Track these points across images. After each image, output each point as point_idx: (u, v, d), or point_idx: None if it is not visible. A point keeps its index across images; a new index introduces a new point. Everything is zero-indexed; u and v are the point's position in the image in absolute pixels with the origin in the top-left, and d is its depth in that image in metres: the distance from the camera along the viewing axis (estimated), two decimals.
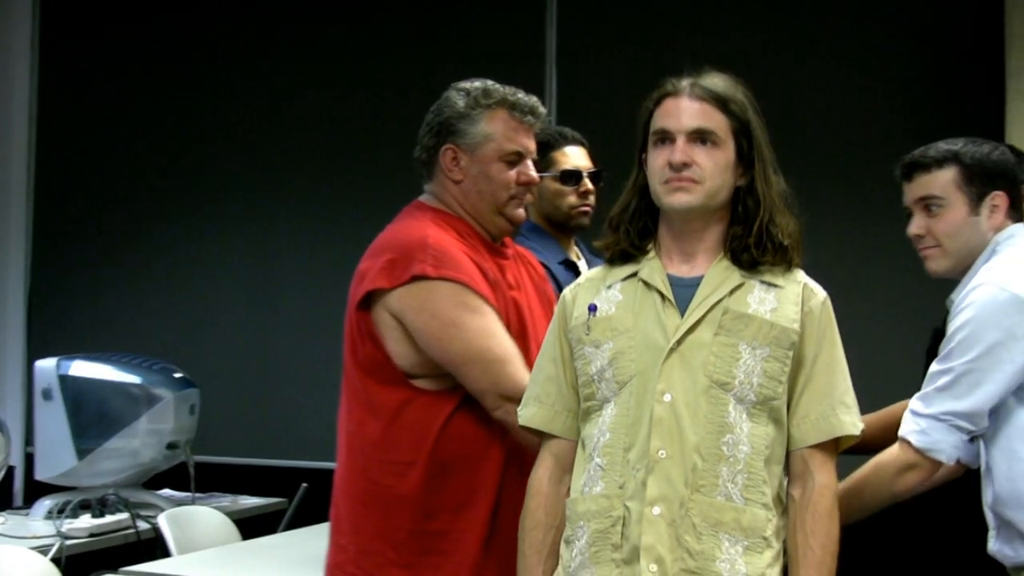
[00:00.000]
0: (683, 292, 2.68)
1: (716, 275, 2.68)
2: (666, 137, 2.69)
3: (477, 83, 3.31)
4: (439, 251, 3.09)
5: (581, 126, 4.20)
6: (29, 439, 6.48)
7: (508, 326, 3.15)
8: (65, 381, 5.21)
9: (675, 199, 2.66)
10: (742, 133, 2.73)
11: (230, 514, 5.14)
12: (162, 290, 6.97)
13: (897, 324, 5.59)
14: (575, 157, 4.03)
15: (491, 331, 3.08)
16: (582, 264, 4.08)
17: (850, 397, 2.73)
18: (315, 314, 6.54)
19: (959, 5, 5.71)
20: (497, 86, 3.31)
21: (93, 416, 5.16)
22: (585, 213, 4.03)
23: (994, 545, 3.02)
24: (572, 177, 3.99)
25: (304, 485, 5.06)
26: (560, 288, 3.87)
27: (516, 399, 2.95)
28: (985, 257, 3.08)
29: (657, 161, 2.69)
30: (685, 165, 2.65)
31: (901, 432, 2.96)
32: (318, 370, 6.28)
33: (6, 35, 7.24)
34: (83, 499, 5.03)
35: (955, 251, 3.11)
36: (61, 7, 7.28)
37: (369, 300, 3.13)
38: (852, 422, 2.69)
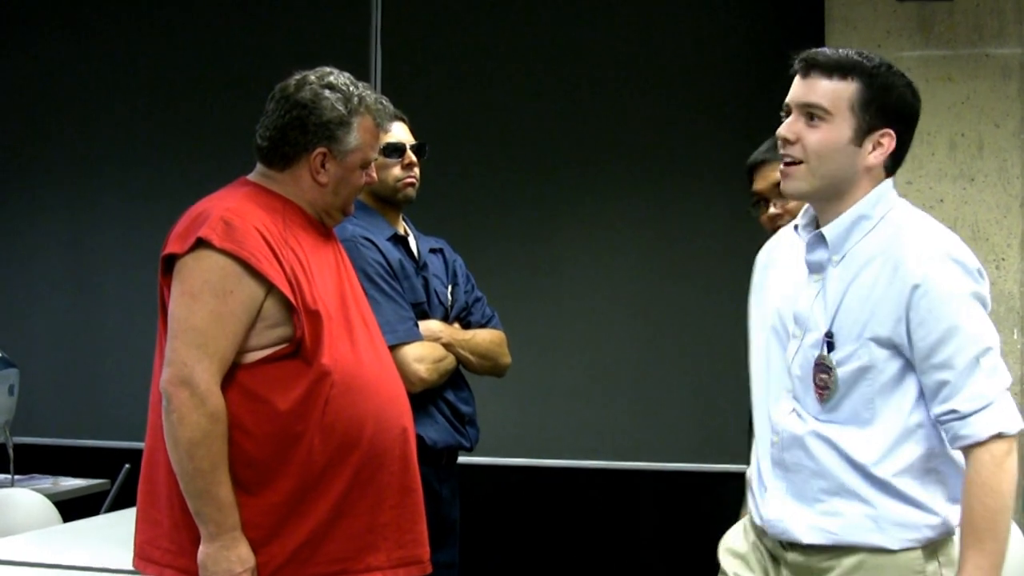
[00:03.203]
0: None
1: None
2: None
3: (347, 83, 3.32)
4: (231, 223, 3.08)
5: (406, 104, 4.21)
6: None
7: (313, 302, 3.13)
8: None
9: None
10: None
11: (51, 496, 5.06)
12: None
13: None
14: (397, 131, 4.04)
15: (220, 318, 3.05)
16: (411, 239, 4.09)
17: None
18: (136, 292, 6.46)
19: None
20: (365, 89, 3.35)
21: None
22: (411, 185, 4.05)
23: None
24: (396, 150, 4.00)
25: (127, 466, 5.00)
26: (389, 265, 3.90)
27: (188, 387, 2.98)
28: (873, 201, 2.86)
29: None
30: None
31: (984, 433, 2.67)
32: (140, 349, 6.18)
33: None
34: None
35: (821, 175, 2.84)
36: None
37: (169, 267, 3.12)
38: None
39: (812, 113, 2.84)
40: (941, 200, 5.53)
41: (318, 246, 3.29)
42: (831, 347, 2.81)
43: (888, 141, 2.86)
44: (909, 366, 2.76)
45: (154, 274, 3.18)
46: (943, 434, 2.74)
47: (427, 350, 3.88)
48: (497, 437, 5.76)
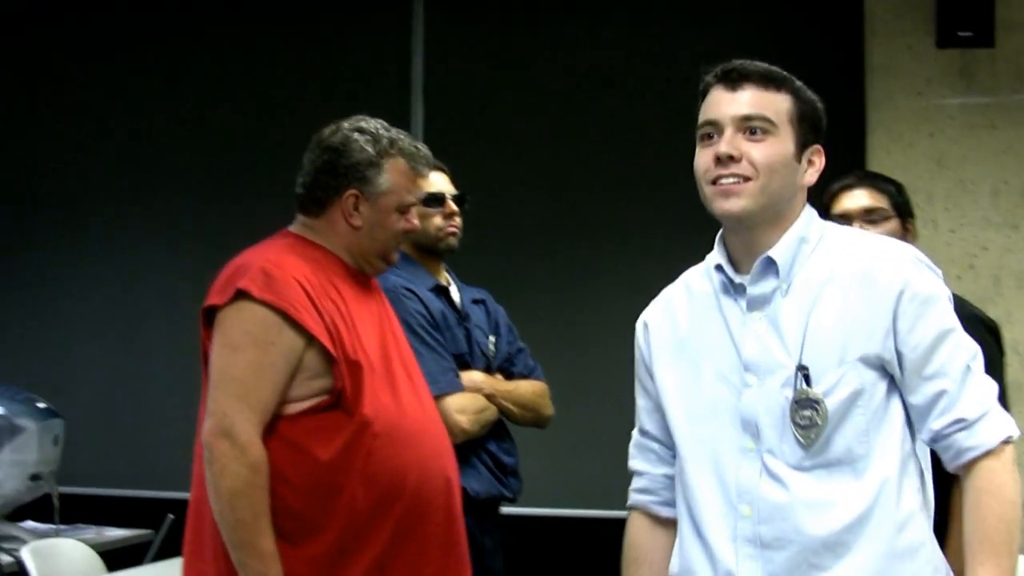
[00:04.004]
0: None
1: None
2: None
3: (379, 128, 3.35)
4: (271, 274, 3.09)
5: (447, 154, 4.23)
6: None
7: (353, 352, 3.14)
8: None
9: None
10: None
11: (95, 546, 5.05)
12: (25, 319, 6.87)
13: None
14: (437, 181, 4.05)
15: (261, 369, 3.06)
16: (453, 290, 4.10)
17: None
18: (179, 343, 6.48)
19: (819, 36, 5.82)
20: (399, 134, 3.38)
21: None
22: (452, 235, 4.06)
23: None
24: (436, 200, 4.01)
25: (170, 516, 5.01)
26: (431, 316, 3.90)
27: (229, 438, 2.99)
28: (807, 222, 2.63)
29: None
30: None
31: (994, 439, 2.46)
32: (183, 399, 6.21)
33: None
34: None
35: (770, 193, 2.56)
36: None
37: (211, 318, 3.14)
38: None
39: (754, 127, 2.57)
40: (985, 248, 5.51)
41: (360, 297, 3.29)
42: (807, 381, 2.49)
43: (819, 159, 2.64)
44: (894, 386, 2.52)
45: (196, 322, 3.20)
46: (941, 453, 2.51)
47: (469, 401, 3.88)
48: (539, 488, 5.74)
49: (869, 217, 3.72)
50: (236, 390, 3.04)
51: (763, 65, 2.64)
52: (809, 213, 2.64)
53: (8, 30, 7.01)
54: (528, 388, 4.11)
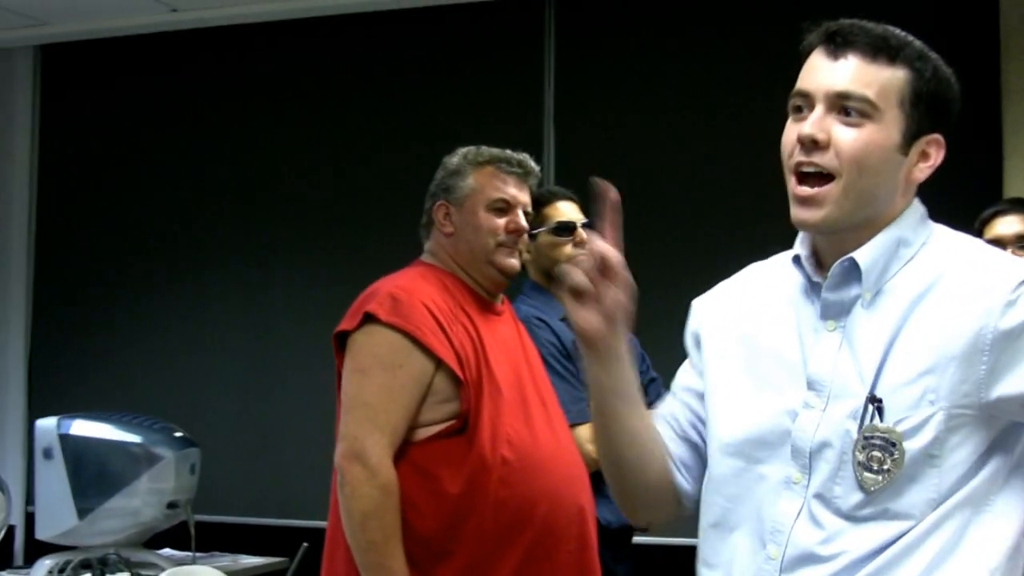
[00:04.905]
0: None
1: None
2: None
3: (472, 147, 3.39)
4: (399, 298, 3.14)
5: (579, 184, 4.23)
6: (30, 498, 6.45)
7: (482, 377, 3.16)
8: (66, 440, 5.19)
9: None
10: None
11: (231, 574, 5.13)
12: (162, 349, 6.96)
13: None
14: (567, 210, 4.06)
15: (390, 392, 3.10)
16: None
17: None
18: (314, 372, 6.53)
19: (953, 60, 5.74)
20: (490, 148, 3.40)
21: (94, 475, 5.14)
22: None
23: None
24: (566, 229, 4.02)
25: (305, 545, 5.04)
26: (563, 345, 3.89)
27: (360, 461, 3.02)
28: (912, 223, 2.17)
29: None
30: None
31: None
32: (319, 428, 6.26)
33: (7, 97, 7.26)
34: (84, 558, 5.01)
35: (859, 193, 2.09)
36: (62, 74, 7.31)
37: (343, 344, 3.18)
38: None
39: (849, 107, 2.09)
40: None
41: (491, 323, 3.32)
42: (880, 416, 2.01)
43: (936, 151, 2.17)
44: (989, 437, 2.02)
45: (331, 351, 3.24)
46: None
47: None
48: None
49: (1023, 243, 3.70)
50: (366, 413, 3.07)
51: (878, 28, 2.15)
52: (918, 212, 2.19)
53: (139, 81, 7.15)
54: None
